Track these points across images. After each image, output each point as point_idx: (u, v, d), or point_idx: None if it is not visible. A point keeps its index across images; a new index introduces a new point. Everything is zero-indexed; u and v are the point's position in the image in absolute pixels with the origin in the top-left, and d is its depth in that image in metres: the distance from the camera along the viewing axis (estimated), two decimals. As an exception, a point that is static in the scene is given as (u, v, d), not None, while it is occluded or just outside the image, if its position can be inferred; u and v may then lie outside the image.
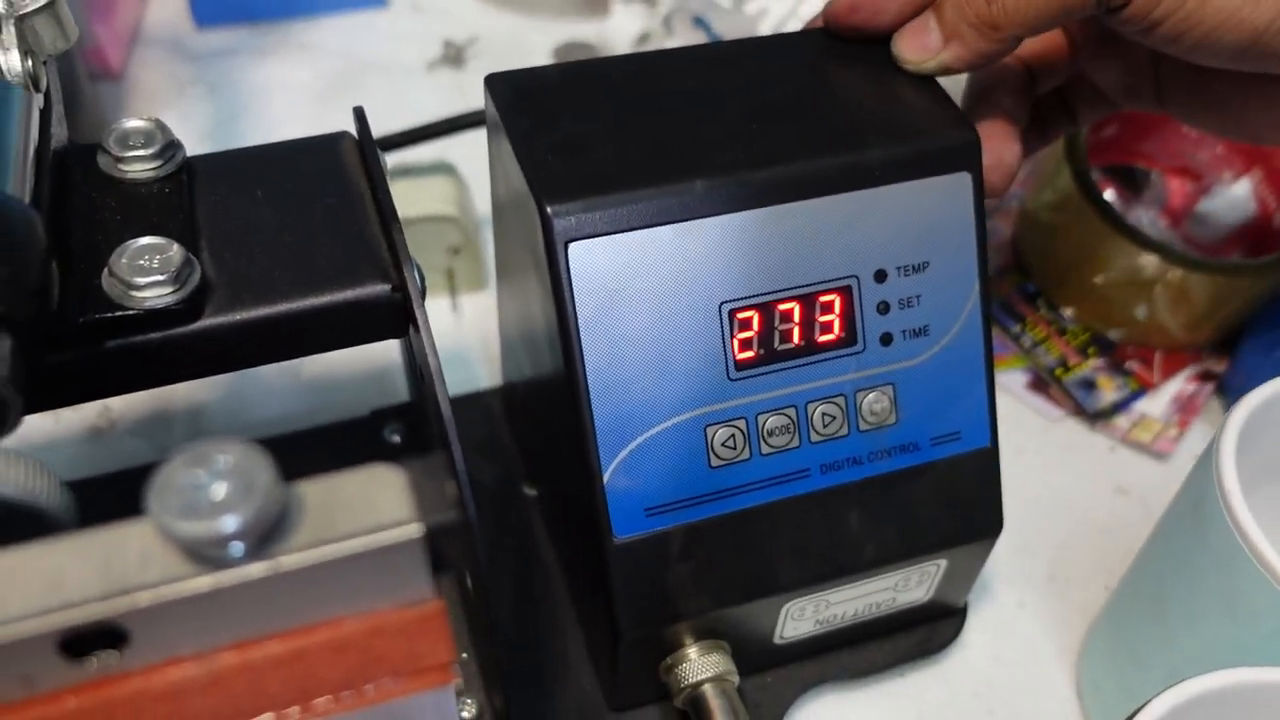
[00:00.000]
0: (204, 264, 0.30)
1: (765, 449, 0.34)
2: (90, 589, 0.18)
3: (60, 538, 0.19)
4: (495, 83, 0.34)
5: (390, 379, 0.49)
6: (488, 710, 0.37)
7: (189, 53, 0.63)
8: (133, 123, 0.32)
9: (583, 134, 0.33)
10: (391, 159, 0.48)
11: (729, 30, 0.58)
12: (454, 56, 0.64)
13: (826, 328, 0.34)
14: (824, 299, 0.33)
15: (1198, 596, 0.34)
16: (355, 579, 0.19)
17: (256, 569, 0.18)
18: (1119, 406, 0.50)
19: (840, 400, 0.34)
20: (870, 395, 0.35)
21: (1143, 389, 0.51)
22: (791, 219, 0.33)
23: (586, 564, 0.36)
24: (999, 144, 0.36)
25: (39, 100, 0.29)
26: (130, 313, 0.28)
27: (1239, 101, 0.37)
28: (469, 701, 0.37)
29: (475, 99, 0.47)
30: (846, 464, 0.35)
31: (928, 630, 0.41)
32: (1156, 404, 0.51)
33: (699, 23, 0.59)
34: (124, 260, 0.28)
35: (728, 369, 0.33)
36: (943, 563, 0.38)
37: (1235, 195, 0.54)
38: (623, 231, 0.31)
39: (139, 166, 0.31)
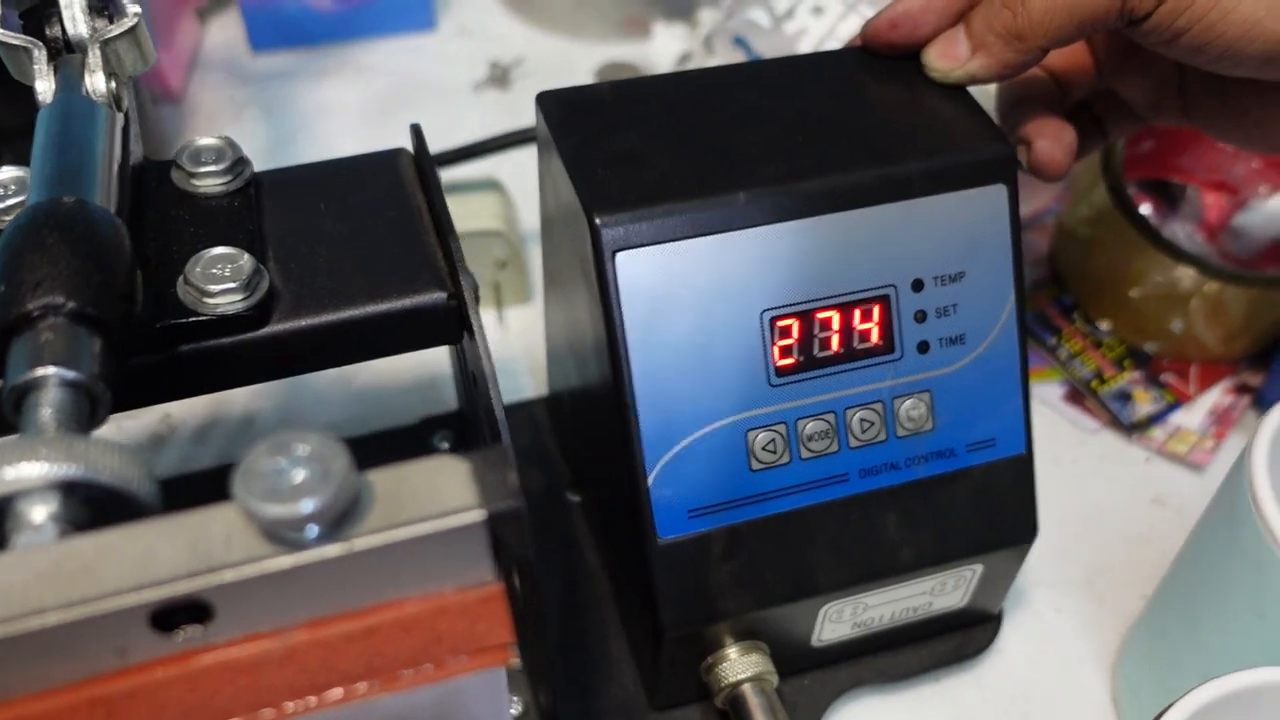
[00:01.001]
0: (271, 273, 0.31)
1: (805, 453, 0.35)
2: (179, 567, 0.19)
3: (151, 521, 0.20)
4: (546, 100, 0.36)
5: (438, 389, 0.51)
6: (533, 709, 0.38)
7: (245, 75, 0.66)
8: (204, 140, 0.34)
9: (629, 148, 0.34)
10: (440, 176, 0.49)
11: (768, 50, 0.59)
12: (500, 77, 0.66)
13: (865, 335, 0.35)
14: (863, 307, 0.34)
15: (1230, 600, 0.35)
16: (421, 561, 0.21)
17: (331, 550, 0.20)
18: (1155, 419, 0.50)
19: (878, 406, 0.35)
20: (907, 402, 0.36)
21: (1178, 402, 0.51)
22: (831, 229, 0.34)
23: (630, 565, 0.37)
24: (1052, 128, 0.37)
25: (120, 119, 0.31)
26: (203, 318, 0.30)
27: (1264, 113, 0.37)
28: (515, 700, 0.38)
29: (521, 118, 0.48)
30: (884, 469, 0.36)
31: (963, 636, 0.42)
32: (1193, 416, 0.51)
33: (739, 42, 0.61)
34: (198, 269, 0.30)
35: (768, 375, 0.34)
36: (978, 568, 0.38)
37: (1271, 209, 0.54)
38: (668, 242, 0.32)
39: (210, 181, 0.33)
